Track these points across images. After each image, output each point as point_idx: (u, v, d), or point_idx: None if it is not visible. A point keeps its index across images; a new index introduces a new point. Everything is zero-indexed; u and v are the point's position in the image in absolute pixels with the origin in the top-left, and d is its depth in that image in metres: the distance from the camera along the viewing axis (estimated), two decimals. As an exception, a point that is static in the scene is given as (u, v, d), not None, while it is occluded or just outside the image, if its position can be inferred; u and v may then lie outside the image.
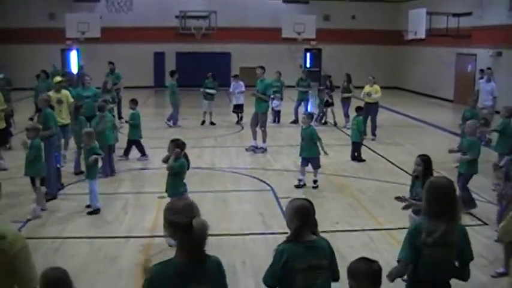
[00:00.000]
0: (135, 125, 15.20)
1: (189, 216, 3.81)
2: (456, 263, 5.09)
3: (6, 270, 3.68)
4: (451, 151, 11.73)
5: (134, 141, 15.31)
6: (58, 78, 15.33)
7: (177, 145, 9.31)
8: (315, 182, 12.67)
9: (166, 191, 9.51)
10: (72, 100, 14.53)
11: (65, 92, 14.65)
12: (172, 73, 22.32)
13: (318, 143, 12.67)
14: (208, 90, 21.48)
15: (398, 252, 5.08)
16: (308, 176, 12.78)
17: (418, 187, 7.60)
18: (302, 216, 4.57)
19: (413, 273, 5.02)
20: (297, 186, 12.65)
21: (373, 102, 18.88)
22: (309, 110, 22.66)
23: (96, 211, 10.79)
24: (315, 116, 20.46)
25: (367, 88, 19.15)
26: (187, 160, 9.53)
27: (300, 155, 12.88)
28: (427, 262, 4.90)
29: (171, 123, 21.42)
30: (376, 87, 19.16)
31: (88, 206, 10.92)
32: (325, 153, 12.85)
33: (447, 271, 5.06)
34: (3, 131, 14.60)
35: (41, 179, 10.76)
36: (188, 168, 9.59)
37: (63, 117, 13.99)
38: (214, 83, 21.90)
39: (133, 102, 15.71)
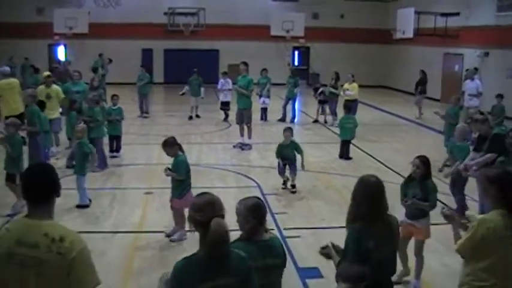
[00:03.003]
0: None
1: (209, 215, 3.93)
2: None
3: (64, 274, 3.63)
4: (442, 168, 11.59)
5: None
6: (46, 73, 15.51)
7: (170, 143, 9.20)
8: (293, 186, 12.33)
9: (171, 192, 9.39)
10: (62, 95, 14.64)
11: (55, 87, 14.86)
12: (147, 67, 24.03)
13: (301, 156, 12.33)
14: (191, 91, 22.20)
15: (342, 255, 5.03)
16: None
17: (416, 188, 7.48)
18: (257, 215, 4.49)
19: None
20: (284, 188, 12.40)
21: (351, 99, 19.05)
22: (296, 108, 22.70)
23: (85, 206, 10.81)
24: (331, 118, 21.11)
25: (345, 85, 19.49)
26: (182, 150, 9.38)
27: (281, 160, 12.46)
28: (377, 264, 4.83)
29: (149, 115, 22.35)
30: (354, 85, 19.52)
31: (77, 206, 10.86)
32: (303, 167, 12.40)
33: (392, 267, 5.16)
34: None
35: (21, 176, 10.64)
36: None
37: (51, 111, 14.03)
38: (199, 79, 22.29)
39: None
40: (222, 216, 4.02)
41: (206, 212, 3.96)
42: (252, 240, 4.47)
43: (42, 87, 15.04)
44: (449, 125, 14.48)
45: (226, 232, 3.91)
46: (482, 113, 11.55)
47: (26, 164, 11.02)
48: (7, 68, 16.22)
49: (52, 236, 3.64)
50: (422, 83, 24.34)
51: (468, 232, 4.83)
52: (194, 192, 9.56)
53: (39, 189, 3.77)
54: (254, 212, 4.50)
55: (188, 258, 3.98)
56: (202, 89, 22.09)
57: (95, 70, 22.10)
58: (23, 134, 11.59)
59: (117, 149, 15.13)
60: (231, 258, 3.97)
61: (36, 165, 3.97)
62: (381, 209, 5.03)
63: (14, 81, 15.29)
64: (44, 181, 3.81)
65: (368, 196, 5.02)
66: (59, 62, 31.32)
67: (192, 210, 4.04)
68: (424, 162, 7.52)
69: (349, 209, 5.21)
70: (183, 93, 22.33)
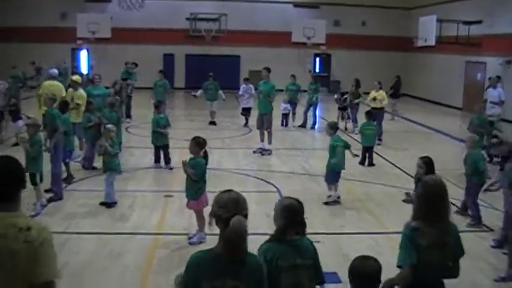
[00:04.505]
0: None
1: (231, 212, 3.92)
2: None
3: (31, 263, 3.64)
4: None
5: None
6: (74, 77, 15.81)
7: (198, 143, 9.23)
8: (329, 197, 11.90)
9: (186, 194, 9.43)
10: (83, 102, 14.72)
11: (81, 91, 15.01)
12: (164, 73, 22.85)
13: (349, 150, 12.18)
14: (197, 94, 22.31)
15: (397, 258, 5.02)
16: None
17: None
18: (289, 215, 4.54)
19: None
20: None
21: (378, 107, 18.92)
22: (317, 114, 22.71)
23: (111, 204, 11.00)
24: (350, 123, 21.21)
25: (373, 93, 19.27)
26: (206, 158, 9.40)
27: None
28: (423, 264, 4.88)
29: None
30: (382, 92, 19.33)
31: (102, 203, 11.03)
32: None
33: (442, 271, 5.06)
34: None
35: (40, 175, 10.81)
36: (207, 163, 9.43)
37: (73, 116, 14.14)
38: (214, 83, 22.09)
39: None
40: (245, 216, 3.99)
41: (229, 208, 3.95)
42: (281, 239, 4.51)
43: (70, 90, 15.36)
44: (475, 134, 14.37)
45: (244, 231, 3.88)
46: (496, 136, 11.54)
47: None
48: (55, 71, 16.57)
49: (19, 226, 3.67)
50: (396, 87, 24.73)
51: None
52: (214, 196, 9.62)
53: (4, 182, 3.76)
54: (286, 212, 4.56)
55: (203, 252, 3.99)
56: (220, 92, 21.97)
57: (125, 80, 22.24)
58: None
59: (167, 161, 14.49)
60: (246, 261, 3.95)
61: (1, 159, 3.99)
62: (438, 211, 4.96)
63: (57, 84, 15.53)
64: (9, 174, 3.80)
65: (426, 196, 5.01)
66: (81, 74, 31.56)
67: (216, 205, 4.03)
68: (426, 163, 7.74)
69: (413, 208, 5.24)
70: (195, 95, 22.31)
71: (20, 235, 3.64)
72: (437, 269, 4.99)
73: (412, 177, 13.62)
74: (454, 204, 11.14)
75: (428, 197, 4.99)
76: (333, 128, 12.19)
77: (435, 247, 4.90)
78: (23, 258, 3.63)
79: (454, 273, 5.12)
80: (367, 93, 20.17)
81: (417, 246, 4.90)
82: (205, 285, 3.85)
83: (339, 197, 11.88)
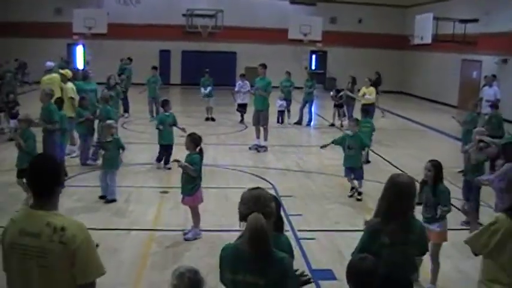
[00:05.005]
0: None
1: (251, 209, 3.99)
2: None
3: (68, 264, 3.64)
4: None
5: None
6: (62, 71, 15.80)
7: (193, 139, 9.26)
8: (359, 194, 12.08)
9: (181, 190, 9.46)
10: (70, 94, 14.64)
11: (70, 84, 14.94)
12: (157, 69, 22.88)
13: (365, 150, 12.40)
14: (205, 92, 22.11)
15: (353, 252, 5.02)
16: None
17: (428, 192, 7.57)
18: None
19: None
20: (350, 196, 12.10)
21: (368, 103, 18.96)
22: (313, 111, 22.72)
23: (113, 200, 11.10)
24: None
25: (363, 90, 19.39)
26: (202, 155, 9.38)
27: (344, 165, 12.31)
28: (388, 263, 4.81)
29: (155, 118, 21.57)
30: (372, 88, 19.43)
31: (102, 197, 11.13)
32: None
33: (407, 269, 5.09)
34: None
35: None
36: (202, 160, 9.40)
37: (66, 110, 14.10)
38: (210, 80, 22.18)
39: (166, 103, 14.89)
40: (267, 213, 4.02)
41: (249, 205, 4.02)
42: None
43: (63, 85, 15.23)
44: (466, 131, 14.33)
45: (261, 228, 3.89)
46: (481, 141, 11.53)
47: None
48: (50, 64, 16.56)
49: (54, 225, 3.67)
50: (377, 84, 24.62)
51: None
52: (212, 191, 9.64)
53: (42, 180, 3.79)
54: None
55: (232, 245, 4.12)
56: (209, 88, 22.02)
57: (120, 75, 22.27)
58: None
59: (166, 161, 14.06)
60: (269, 257, 3.98)
61: (40, 157, 3.98)
62: (400, 208, 4.96)
63: (55, 76, 15.53)
64: (46, 172, 3.82)
65: (391, 193, 5.02)
66: (77, 69, 31.53)
67: (240, 202, 4.12)
68: (435, 166, 7.64)
69: (376, 205, 5.21)
70: (204, 96, 22.26)
71: (55, 236, 3.64)
72: (402, 267, 5.00)
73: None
74: (453, 205, 11.19)
75: (397, 194, 4.98)
76: (358, 124, 12.82)
77: (398, 245, 4.90)
78: (57, 258, 3.63)
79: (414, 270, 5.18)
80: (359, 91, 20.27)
81: (380, 244, 4.89)
82: (228, 277, 4.02)
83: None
